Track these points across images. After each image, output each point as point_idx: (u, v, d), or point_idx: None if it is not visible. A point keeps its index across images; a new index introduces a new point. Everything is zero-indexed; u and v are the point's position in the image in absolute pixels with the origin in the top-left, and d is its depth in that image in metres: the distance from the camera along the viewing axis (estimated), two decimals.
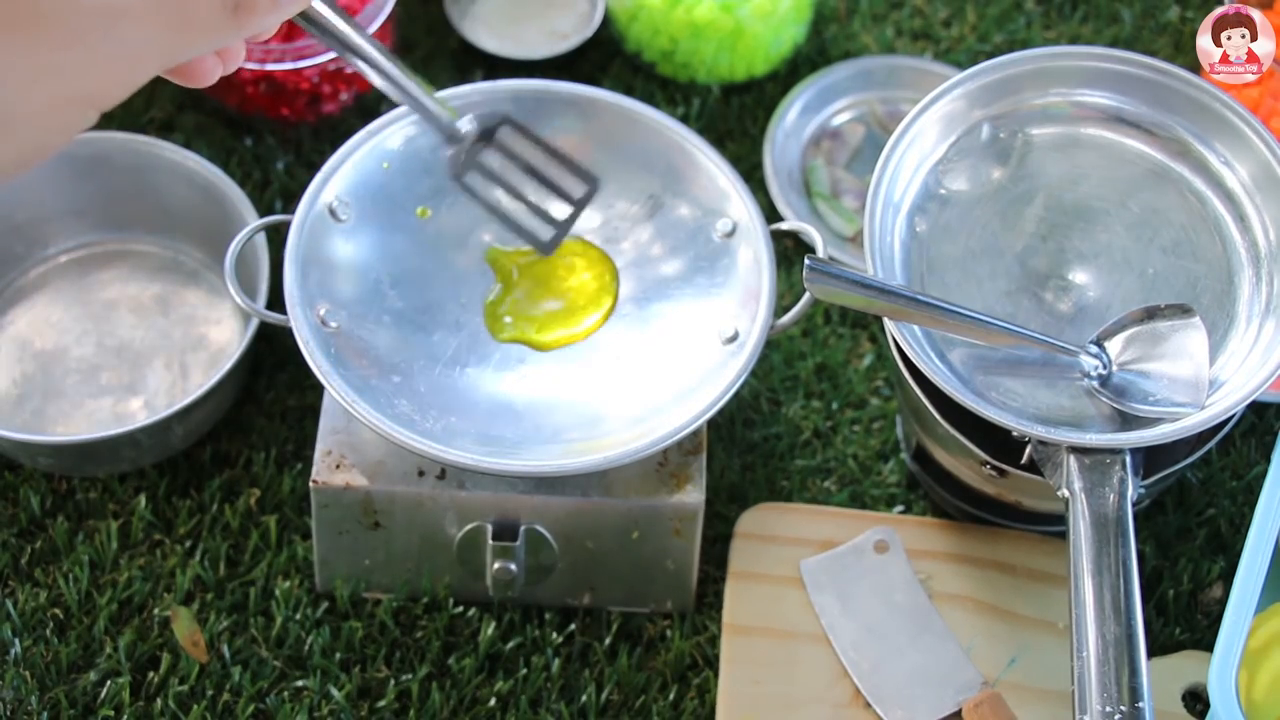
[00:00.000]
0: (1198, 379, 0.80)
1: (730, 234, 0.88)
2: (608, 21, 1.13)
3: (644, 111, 0.90)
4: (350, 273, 0.86)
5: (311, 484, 0.84)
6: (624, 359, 0.87)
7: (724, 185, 0.89)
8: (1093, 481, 0.77)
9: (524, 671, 0.87)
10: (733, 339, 0.85)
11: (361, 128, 1.07)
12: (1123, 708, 0.70)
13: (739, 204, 0.88)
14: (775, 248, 0.87)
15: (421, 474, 0.84)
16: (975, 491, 0.89)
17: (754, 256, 0.87)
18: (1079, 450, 0.78)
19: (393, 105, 1.06)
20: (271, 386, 0.98)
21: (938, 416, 0.84)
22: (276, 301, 0.87)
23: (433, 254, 0.89)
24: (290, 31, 1.04)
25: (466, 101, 0.90)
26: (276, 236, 1.01)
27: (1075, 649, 0.72)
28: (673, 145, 0.90)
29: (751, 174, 1.07)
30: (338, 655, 0.87)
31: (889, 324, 0.83)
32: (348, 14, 0.71)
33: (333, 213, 0.86)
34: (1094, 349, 0.82)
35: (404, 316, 0.87)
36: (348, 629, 0.88)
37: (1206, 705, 0.84)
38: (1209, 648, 0.79)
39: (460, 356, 0.86)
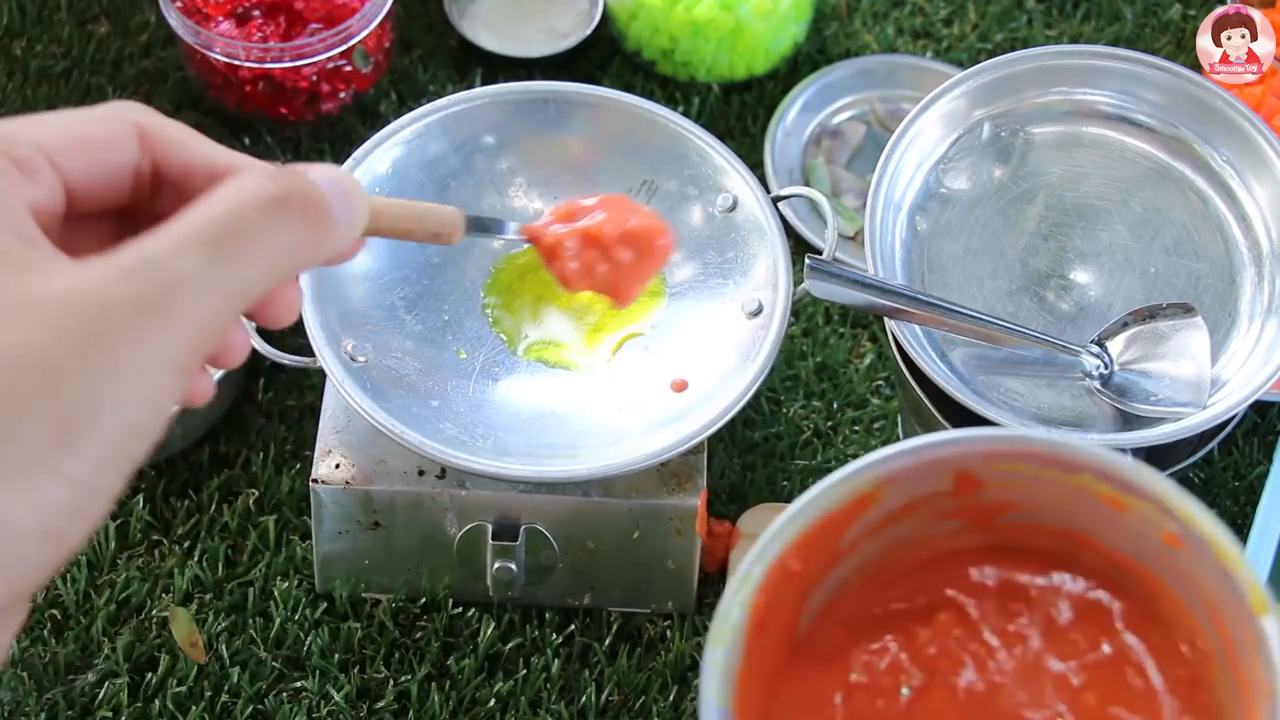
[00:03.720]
0: (1199, 379, 0.80)
1: (731, 209, 0.88)
2: (607, 20, 1.13)
3: (629, 101, 0.91)
4: (365, 304, 0.86)
5: (311, 484, 0.84)
6: (651, 349, 0.87)
7: (718, 162, 0.89)
8: None
9: (524, 672, 0.87)
10: (757, 312, 0.85)
11: (360, 127, 1.07)
12: None
13: (736, 178, 0.88)
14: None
15: (421, 473, 0.84)
16: None
17: (760, 227, 0.87)
18: None
19: (390, 118, 1.07)
20: (270, 386, 0.98)
21: (938, 416, 0.83)
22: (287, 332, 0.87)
23: (440, 272, 0.88)
24: (289, 30, 1.04)
25: (464, 108, 0.90)
26: None
27: None
28: (662, 131, 0.90)
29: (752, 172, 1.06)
30: (337, 656, 0.87)
31: (889, 324, 0.83)
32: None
33: None
34: (1095, 348, 0.81)
35: (425, 338, 0.86)
36: (347, 630, 0.88)
37: None
38: None
39: (488, 370, 0.86)
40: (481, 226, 0.58)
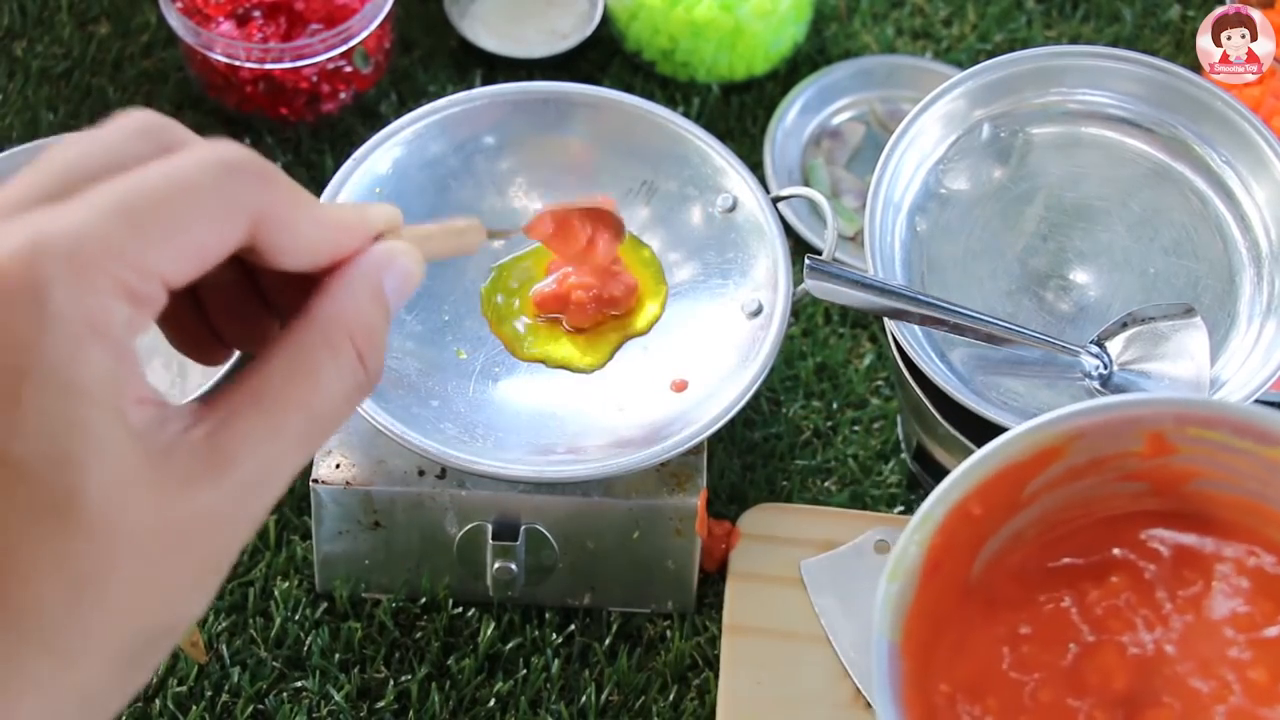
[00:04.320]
0: (1199, 379, 0.80)
1: (731, 209, 0.89)
2: (607, 21, 1.13)
3: (629, 101, 0.91)
4: None
5: (311, 484, 0.84)
6: (651, 349, 0.87)
7: (718, 162, 0.89)
8: None
9: (524, 672, 0.87)
10: (758, 312, 0.85)
11: (360, 127, 1.07)
12: None
13: (736, 178, 0.89)
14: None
15: (422, 473, 0.84)
16: None
17: (760, 227, 0.87)
18: None
19: (390, 119, 1.06)
20: None
21: (938, 416, 0.84)
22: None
23: (440, 272, 0.88)
24: (289, 30, 1.04)
25: (464, 109, 0.90)
26: None
27: None
28: (662, 131, 0.90)
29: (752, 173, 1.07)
30: (337, 656, 0.87)
31: (889, 324, 0.83)
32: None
33: None
34: (1095, 349, 0.81)
35: (425, 339, 0.86)
36: (347, 629, 0.88)
37: None
38: None
39: (489, 370, 0.86)
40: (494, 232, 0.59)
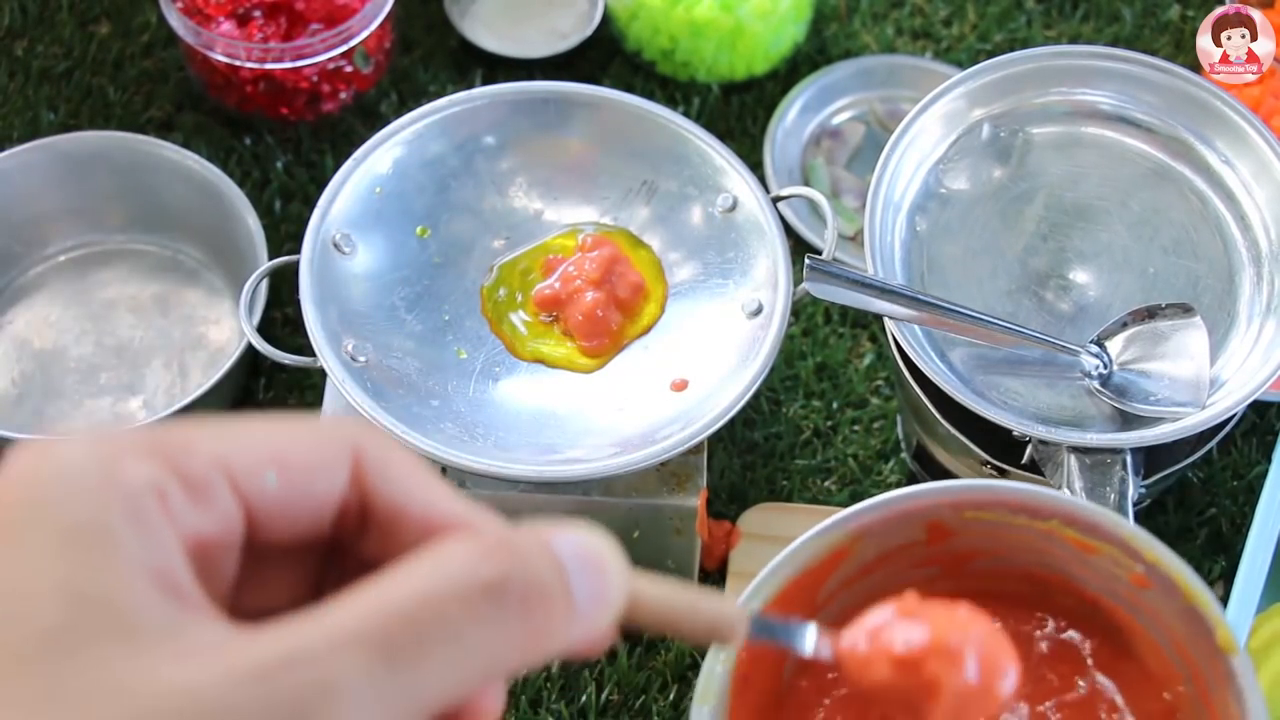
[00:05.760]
0: (1198, 378, 0.80)
1: (731, 209, 0.89)
2: (607, 20, 1.13)
3: (629, 101, 0.91)
4: (365, 304, 0.86)
5: None
6: (651, 349, 0.87)
7: (718, 162, 0.89)
8: (1093, 481, 0.77)
9: (524, 671, 0.87)
10: (758, 312, 0.85)
11: (360, 127, 1.07)
12: None
13: (736, 178, 0.89)
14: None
15: None
16: None
17: (760, 227, 0.87)
18: (1080, 450, 0.78)
19: (390, 119, 1.06)
20: (271, 386, 0.98)
21: (938, 416, 0.84)
22: (275, 320, 0.87)
23: (440, 271, 0.89)
24: (290, 30, 1.04)
25: (465, 109, 0.90)
26: (275, 234, 1.01)
27: None
28: (662, 131, 0.90)
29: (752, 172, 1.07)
30: None
31: (889, 324, 0.83)
32: None
33: (336, 247, 0.86)
34: (1094, 348, 0.81)
35: (426, 339, 0.86)
36: None
37: None
38: None
39: (489, 370, 0.86)
40: (768, 630, 0.45)
